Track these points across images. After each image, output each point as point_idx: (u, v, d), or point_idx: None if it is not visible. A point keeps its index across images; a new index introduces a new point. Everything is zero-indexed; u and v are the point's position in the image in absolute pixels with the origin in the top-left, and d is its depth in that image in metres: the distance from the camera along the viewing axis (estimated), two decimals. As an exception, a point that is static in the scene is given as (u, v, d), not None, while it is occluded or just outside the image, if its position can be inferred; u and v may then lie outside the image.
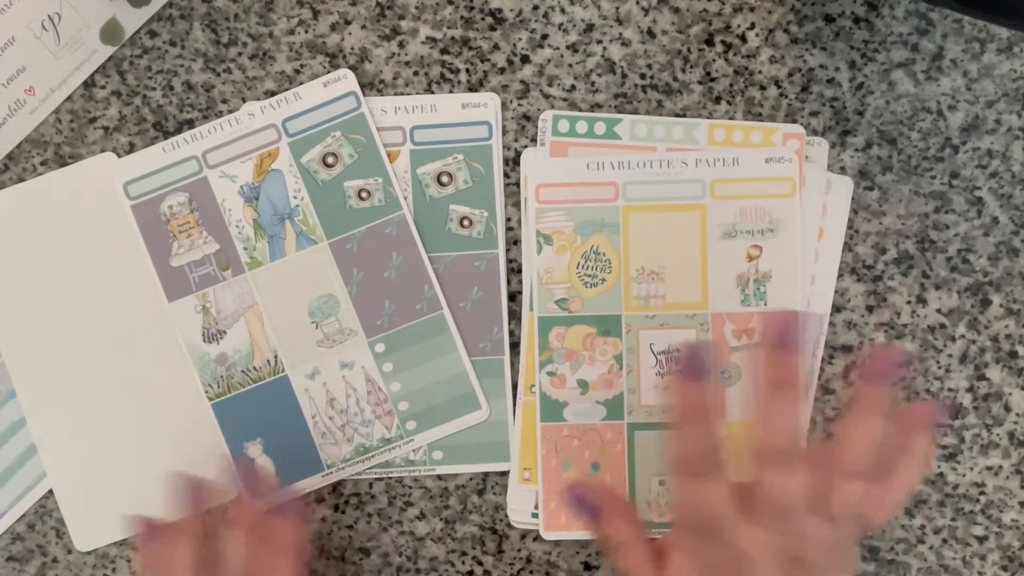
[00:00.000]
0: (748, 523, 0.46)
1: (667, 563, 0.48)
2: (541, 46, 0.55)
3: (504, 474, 0.57)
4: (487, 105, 0.56)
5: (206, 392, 0.56)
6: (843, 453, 0.46)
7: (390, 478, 0.57)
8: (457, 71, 0.56)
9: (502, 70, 0.56)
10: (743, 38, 0.55)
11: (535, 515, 0.56)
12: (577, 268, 0.55)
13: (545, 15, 0.55)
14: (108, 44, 0.55)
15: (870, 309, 0.56)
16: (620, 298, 0.55)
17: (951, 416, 0.52)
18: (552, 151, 0.55)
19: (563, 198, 0.55)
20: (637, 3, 0.55)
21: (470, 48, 0.55)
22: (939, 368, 0.56)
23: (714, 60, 0.55)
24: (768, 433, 0.46)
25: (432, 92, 0.56)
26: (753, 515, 0.46)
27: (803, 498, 0.46)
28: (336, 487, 0.57)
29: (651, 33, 0.55)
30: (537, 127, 0.55)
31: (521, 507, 0.56)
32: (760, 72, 0.55)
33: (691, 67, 0.55)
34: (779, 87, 0.55)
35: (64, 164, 0.56)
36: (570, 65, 0.55)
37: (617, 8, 0.55)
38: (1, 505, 0.57)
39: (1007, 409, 0.56)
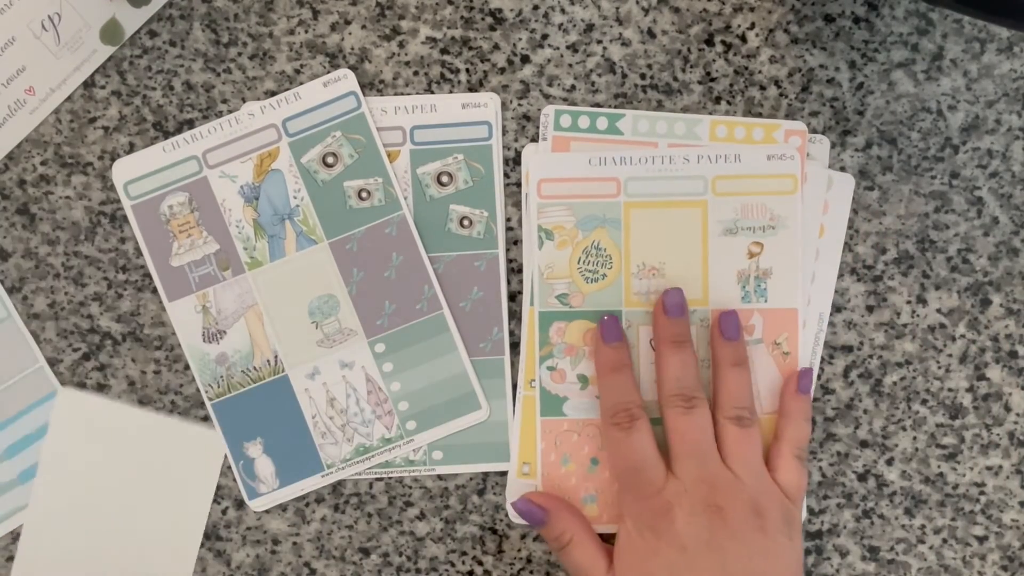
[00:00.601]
0: (669, 470, 0.52)
1: (617, 536, 0.53)
2: (541, 46, 0.55)
3: (504, 474, 0.57)
4: (487, 105, 0.56)
5: (206, 392, 0.56)
6: (720, 400, 0.53)
7: (390, 478, 0.57)
8: (457, 71, 0.56)
9: (502, 70, 0.56)
10: (743, 38, 0.55)
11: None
12: (578, 263, 0.55)
13: (545, 15, 0.55)
14: (108, 44, 0.55)
15: (870, 309, 0.56)
16: (621, 293, 0.55)
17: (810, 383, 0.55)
18: (554, 146, 0.55)
19: (565, 193, 0.55)
20: (637, 3, 0.55)
21: (470, 48, 0.55)
22: (939, 368, 0.56)
23: (714, 60, 0.55)
24: (666, 380, 0.53)
25: (432, 92, 0.56)
26: (672, 462, 0.52)
27: (710, 444, 0.52)
28: (336, 487, 0.57)
29: (651, 33, 0.55)
30: (537, 127, 0.55)
31: (521, 503, 0.56)
32: (760, 72, 0.55)
33: (691, 67, 0.55)
34: (779, 87, 0.55)
35: (64, 164, 0.56)
36: (570, 65, 0.55)
37: (617, 8, 0.55)
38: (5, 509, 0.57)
39: (1007, 409, 0.56)
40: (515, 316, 0.56)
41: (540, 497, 0.55)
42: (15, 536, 0.57)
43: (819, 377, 0.56)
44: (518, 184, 0.56)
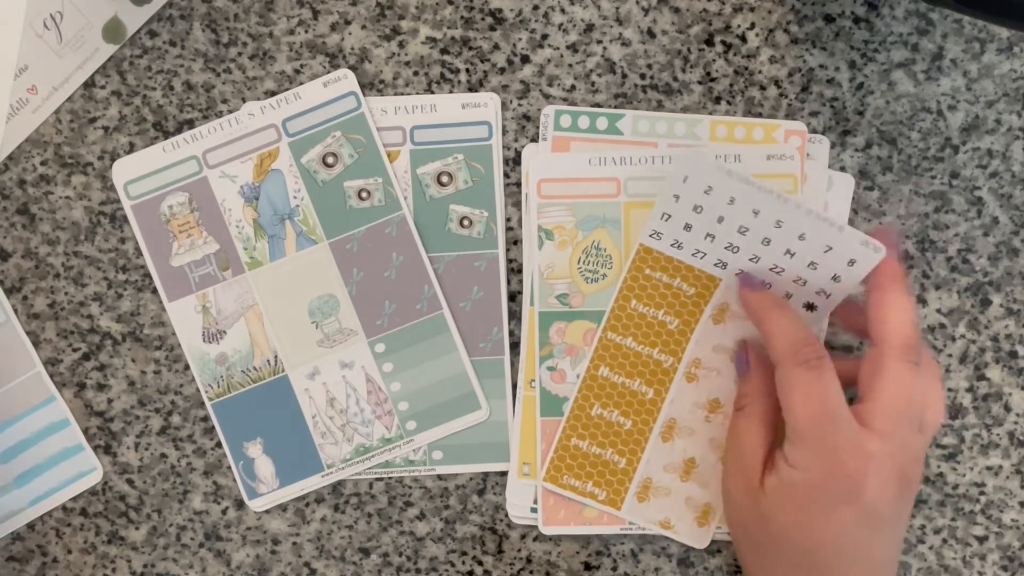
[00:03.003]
0: (863, 427, 0.47)
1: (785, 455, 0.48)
2: (541, 46, 0.55)
3: (504, 474, 0.57)
4: (487, 105, 0.56)
5: (206, 392, 0.56)
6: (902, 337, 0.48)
7: (390, 478, 0.57)
8: (457, 71, 0.56)
9: (502, 70, 0.56)
10: (743, 38, 0.55)
11: (534, 510, 0.56)
12: (578, 263, 0.55)
13: (545, 15, 0.55)
14: (110, 42, 0.55)
15: (870, 309, 0.56)
16: (621, 293, 0.55)
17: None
18: (554, 146, 0.55)
19: (565, 193, 0.55)
20: (637, 3, 0.55)
21: (470, 48, 0.56)
22: (939, 368, 0.56)
23: (714, 60, 0.55)
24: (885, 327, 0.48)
25: (432, 92, 0.56)
26: (875, 418, 0.47)
27: (917, 408, 0.47)
28: (336, 487, 0.57)
29: (651, 33, 0.55)
30: (537, 127, 0.55)
31: (520, 502, 0.56)
32: (760, 72, 0.55)
33: (691, 67, 0.55)
34: (779, 87, 0.55)
35: (64, 164, 0.56)
36: (570, 65, 0.55)
37: (617, 8, 0.55)
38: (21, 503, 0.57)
39: (1007, 409, 0.56)
40: (515, 316, 0.56)
41: (754, 354, 0.52)
42: (14, 537, 0.57)
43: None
44: (518, 184, 0.56)
